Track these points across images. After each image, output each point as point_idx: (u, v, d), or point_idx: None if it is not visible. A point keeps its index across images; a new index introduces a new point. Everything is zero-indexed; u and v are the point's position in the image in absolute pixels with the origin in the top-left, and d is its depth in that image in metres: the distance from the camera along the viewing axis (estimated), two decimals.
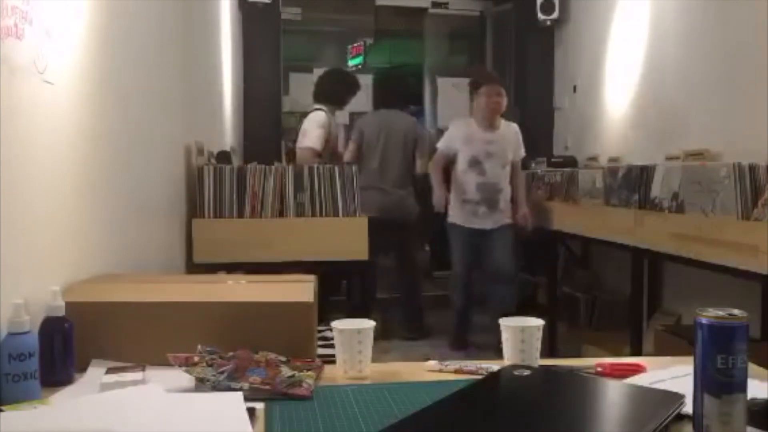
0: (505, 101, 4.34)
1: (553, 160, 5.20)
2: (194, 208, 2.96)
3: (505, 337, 1.33)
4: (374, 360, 1.31)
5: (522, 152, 4.51)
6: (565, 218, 4.20)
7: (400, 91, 4.99)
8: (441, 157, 4.45)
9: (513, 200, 4.42)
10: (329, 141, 4.48)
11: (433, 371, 1.33)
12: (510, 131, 4.44)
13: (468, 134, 4.35)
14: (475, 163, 4.31)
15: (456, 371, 1.31)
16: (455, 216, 4.40)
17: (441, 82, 6.68)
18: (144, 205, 2.20)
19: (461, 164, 4.34)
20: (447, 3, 6.41)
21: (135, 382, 1.20)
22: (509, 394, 1.18)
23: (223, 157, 3.56)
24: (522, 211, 4.41)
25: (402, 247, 4.75)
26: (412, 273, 4.84)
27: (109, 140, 1.81)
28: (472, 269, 4.40)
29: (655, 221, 3.25)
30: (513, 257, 4.37)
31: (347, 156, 4.65)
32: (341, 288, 4.60)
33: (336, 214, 3.03)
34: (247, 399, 1.11)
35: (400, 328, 4.72)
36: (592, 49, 5.08)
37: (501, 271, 4.29)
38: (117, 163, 1.89)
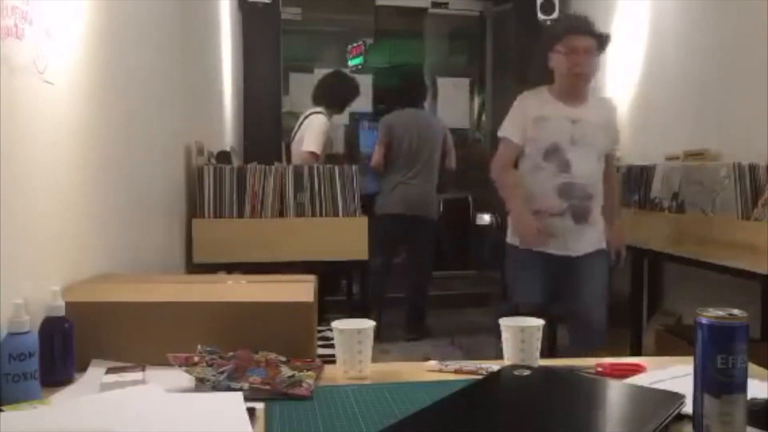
0: (596, 62, 2.93)
1: None
2: (194, 208, 2.96)
3: (505, 337, 1.33)
4: (374, 360, 1.31)
5: (618, 141, 3.11)
6: None
7: (423, 90, 5.00)
8: (511, 152, 2.95)
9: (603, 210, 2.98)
10: (326, 145, 4.51)
11: (433, 371, 1.33)
12: (604, 108, 3.04)
13: (541, 110, 2.91)
14: (554, 154, 2.85)
15: (456, 371, 1.31)
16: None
17: (441, 82, 6.68)
18: (144, 205, 2.20)
19: (532, 156, 2.90)
20: (447, 3, 6.41)
21: (135, 382, 1.20)
22: (509, 394, 1.18)
23: (223, 157, 3.56)
24: (617, 227, 3.02)
25: (419, 244, 4.74)
26: (423, 272, 4.83)
27: (109, 140, 1.81)
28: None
29: (655, 221, 3.25)
30: (606, 300, 2.96)
31: (376, 157, 4.65)
32: (341, 288, 4.61)
33: (336, 214, 3.03)
34: (247, 399, 1.11)
35: (401, 328, 4.72)
36: None
37: (591, 321, 2.92)
38: (117, 163, 1.89)
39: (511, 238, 2.96)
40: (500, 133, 2.98)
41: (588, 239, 2.88)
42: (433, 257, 4.85)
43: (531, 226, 2.85)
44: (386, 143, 4.63)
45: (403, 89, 4.95)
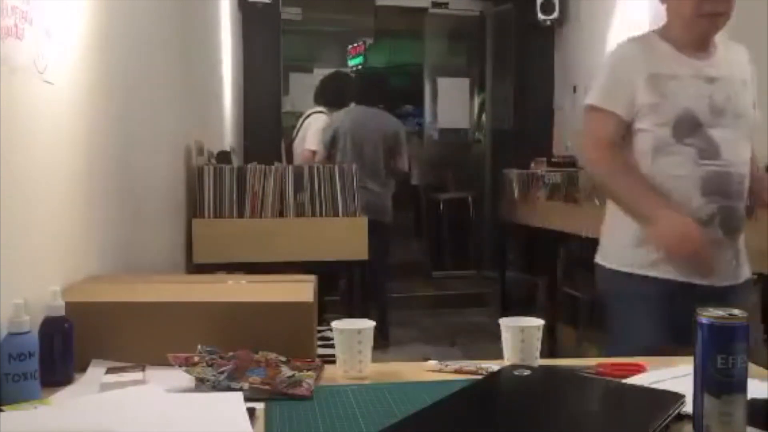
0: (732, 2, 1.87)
1: (553, 160, 5.18)
2: (194, 208, 2.96)
3: (505, 337, 1.33)
4: (374, 360, 1.31)
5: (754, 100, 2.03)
6: (566, 218, 4.20)
7: (376, 88, 4.68)
8: (612, 127, 1.91)
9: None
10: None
11: (433, 371, 1.33)
12: (741, 56, 2.04)
13: (659, 64, 1.91)
14: (689, 130, 1.87)
15: (456, 371, 1.31)
16: (631, 256, 1.94)
17: (441, 82, 6.69)
18: (144, 205, 2.20)
19: (653, 132, 1.89)
20: (447, 3, 6.41)
21: (135, 382, 1.20)
22: (509, 394, 1.18)
23: (223, 157, 3.56)
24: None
25: (375, 250, 4.51)
26: (381, 278, 4.60)
27: (109, 140, 1.81)
28: None
29: None
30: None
31: (318, 158, 4.44)
32: (339, 288, 4.58)
33: (336, 214, 3.03)
34: (247, 399, 1.11)
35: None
36: (592, 49, 5.08)
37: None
38: (117, 163, 1.89)
39: (615, 263, 1.96)
40: (588, 100, 1.95)
41: (742, 261, 1.97)
42: (385, 261, 4.64)
43: (695, 241, 1.82)
44: (324, 145, 4.42)
45: (358, 88, 4.68)
